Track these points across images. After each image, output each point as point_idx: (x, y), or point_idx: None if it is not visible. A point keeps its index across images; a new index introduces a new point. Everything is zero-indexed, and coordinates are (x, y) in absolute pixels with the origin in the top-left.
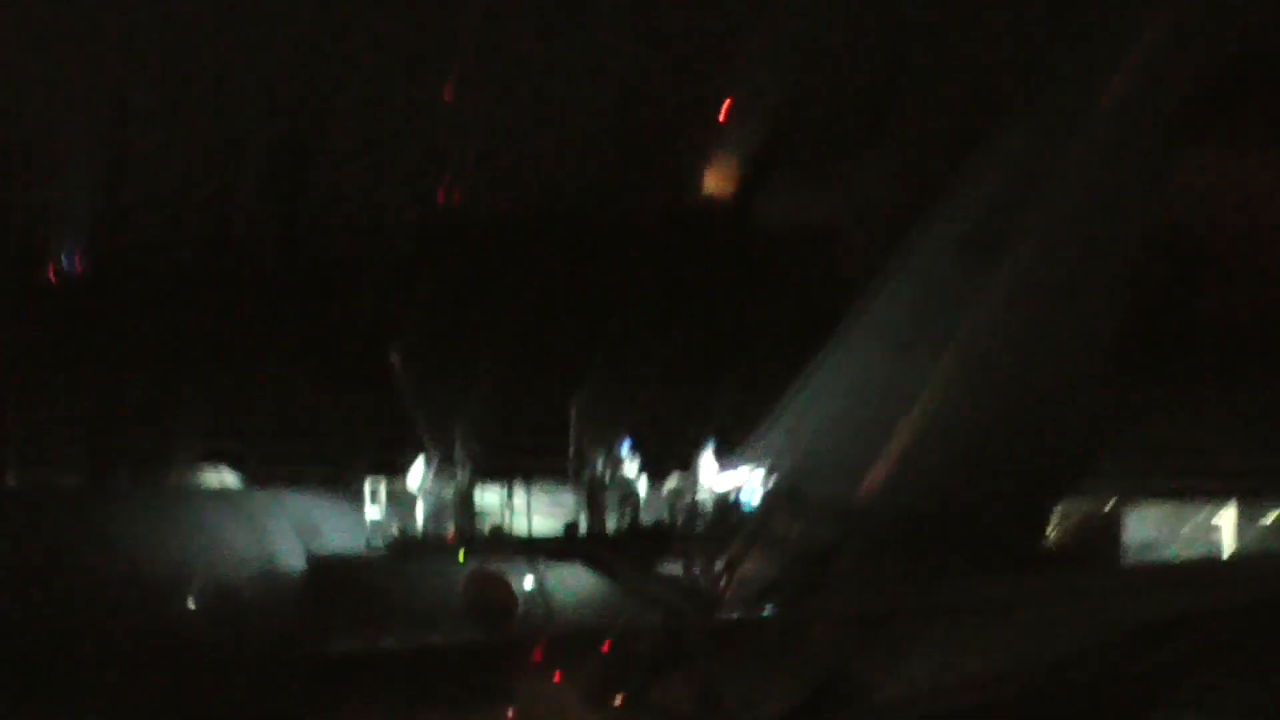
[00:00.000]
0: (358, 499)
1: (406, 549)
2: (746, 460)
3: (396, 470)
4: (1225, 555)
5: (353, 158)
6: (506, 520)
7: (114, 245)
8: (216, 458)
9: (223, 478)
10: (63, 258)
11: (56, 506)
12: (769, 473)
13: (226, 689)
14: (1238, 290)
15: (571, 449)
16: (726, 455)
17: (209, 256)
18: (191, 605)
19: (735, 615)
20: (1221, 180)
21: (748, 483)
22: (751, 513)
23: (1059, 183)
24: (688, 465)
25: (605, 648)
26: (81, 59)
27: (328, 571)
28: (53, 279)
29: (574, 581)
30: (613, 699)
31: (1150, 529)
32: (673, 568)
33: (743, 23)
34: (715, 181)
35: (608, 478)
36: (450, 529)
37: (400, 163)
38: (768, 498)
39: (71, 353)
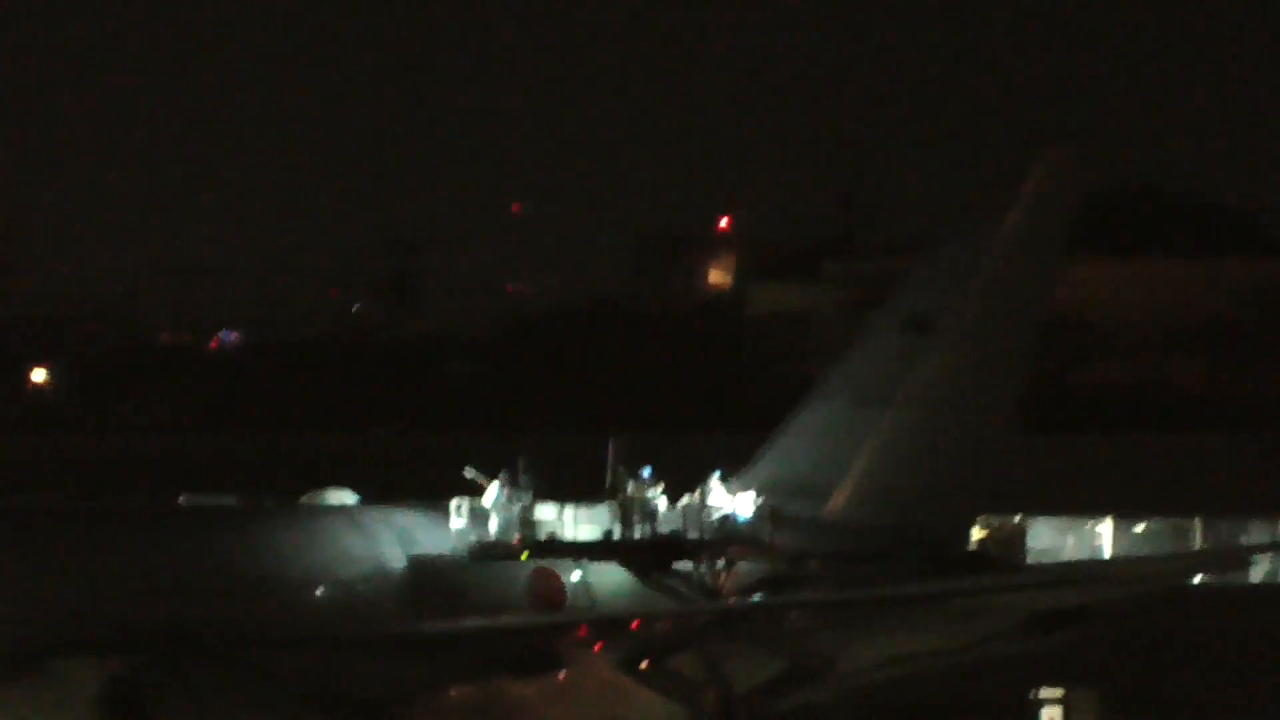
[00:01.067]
0: (446, 514)
1: (482, 552)
2: (741, 486)
3: (475, 493)
4: (1106, 557)
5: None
6: (559, 530)
7: (268, 327)
8: (337, 484)
9: (342, 498)
10: (228, 336)
11: (220, 519)
12: (758, 495)
13: (348, 661)
14: (1108, 364)
15: (609, 476)
16: (726, 482)
17: (338, 338)
18: (318, 594)
19: (731, 604)
20: (1093, 282)
21: (741, 503)
22: (744, 525)
23: (977, 282)
24: (696, 489)
25: (634, 626)
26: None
27: (422, 570)
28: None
29: (610, 577)
30: (640, 666)
31: (1048, 539)
32: (684, 567)
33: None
34: (718, 279)
35: (636, 498)
36: (516, 537)
37: (489, 267)
38: (756, 514)
39: (233, 407)
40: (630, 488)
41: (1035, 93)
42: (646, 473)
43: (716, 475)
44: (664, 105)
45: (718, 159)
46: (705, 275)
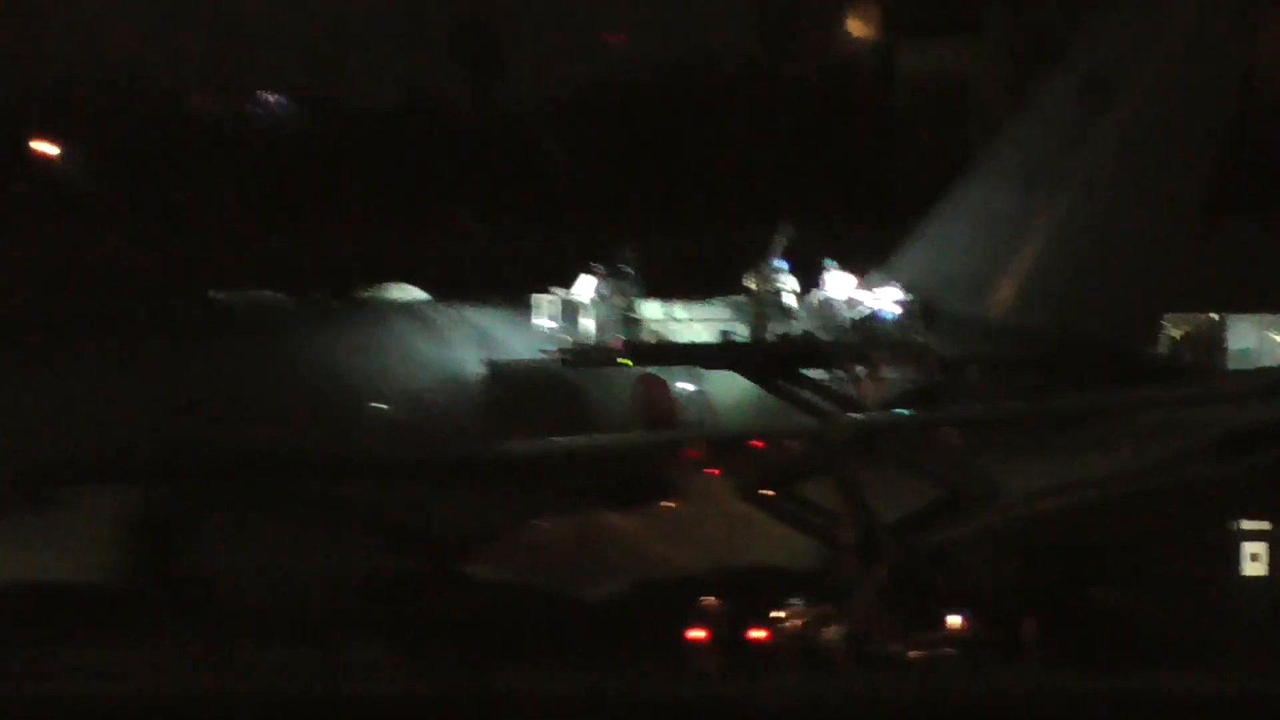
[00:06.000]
0: (530, 311)
1: (577, 358)
2: (886, 278)
3: (567, 284)
4: None
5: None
6: (667, 331)
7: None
8: (405, 279)
9: (412, 294)
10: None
11: (262, 319)
12: (906, 289)
13: (417, 490)
14: None
15: (732, 267)
16: (868, 273)
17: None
18: (382, 408)
19: (875, 419)
20: None
21: (887, 297)
22: (889, 325)
23: (1163, 40)
24: (833, 282)
25: (758, 446)
26: None
27: (504, 379)
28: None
29: (729, 386)
30: (762, 494)
31: (1247, 341)
32: (818, 374)
33: None
34: (863, 34)
35: (763, 293)
36: (617, 339)
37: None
38: (906, 312)
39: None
40: (756, 282)
41: None
42: (783, 265)
43: (830, 264)
44: None
45: None
46: (842, 28)
